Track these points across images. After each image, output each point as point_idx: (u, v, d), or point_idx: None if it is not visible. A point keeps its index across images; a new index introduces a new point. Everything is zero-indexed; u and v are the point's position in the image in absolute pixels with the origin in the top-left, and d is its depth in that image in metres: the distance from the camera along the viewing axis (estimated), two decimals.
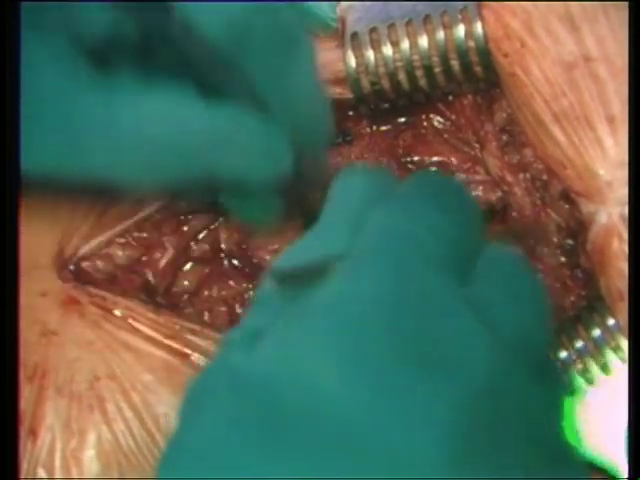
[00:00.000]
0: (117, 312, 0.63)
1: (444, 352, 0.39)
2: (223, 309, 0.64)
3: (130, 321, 0.63)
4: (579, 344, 0.60)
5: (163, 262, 0.65)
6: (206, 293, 0.65)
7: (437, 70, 0.62)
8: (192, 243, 0.65)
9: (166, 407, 0.60)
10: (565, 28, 0.60)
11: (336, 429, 0.37)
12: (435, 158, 0.65)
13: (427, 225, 0.44)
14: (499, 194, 0.64)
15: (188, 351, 0.62)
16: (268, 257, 0.64)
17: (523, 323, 0.43)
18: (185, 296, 0.65)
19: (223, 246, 0.65)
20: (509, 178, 0.63)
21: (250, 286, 0.65)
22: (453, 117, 0.65)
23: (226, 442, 0.38)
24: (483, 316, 0.41)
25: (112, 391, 0.60)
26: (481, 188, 0.64)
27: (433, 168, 0.64)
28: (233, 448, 0.38)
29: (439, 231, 0.44)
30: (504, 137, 0.64)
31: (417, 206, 0.45)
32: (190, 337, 0.62)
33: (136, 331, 0.62)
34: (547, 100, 0.60)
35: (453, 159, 0.64)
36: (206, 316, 0.65)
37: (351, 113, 0.66)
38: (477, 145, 0.64)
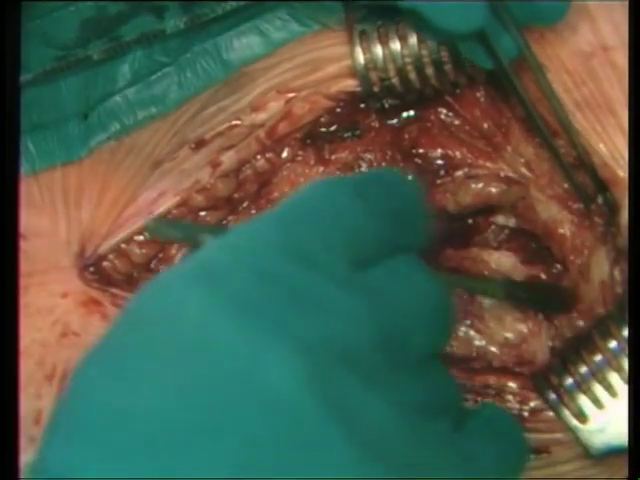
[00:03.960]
0: None
1: None
2: None
3: None
4: (583, 369, 0.59)
5: (179, 258, 0.66)
6: None
7: (446, 64, 0.61)
8: None
9: None
10: (582, 18, 0.59)
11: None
12: (439, 151, 0.64)
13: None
14: (503, 188, 0.63)
15: None
16: None
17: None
18: None
19: None
20: (527, 171, 0.63)
21: None
22: (464, 110, 0.64)
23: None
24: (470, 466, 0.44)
25: None
26: (483, 183, 0.63)
27: (438, 161, 0.64)
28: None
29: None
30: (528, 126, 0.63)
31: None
32: None
33: None
34: (568, 90, 0.60)
35: (457, 153, 0.64)
36: None
37: (362, 106, 0.65)
38: (498, 133, 0.64)
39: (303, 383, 0.39)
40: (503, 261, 0.64)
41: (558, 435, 0.60)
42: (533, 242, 0.65)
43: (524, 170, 0.63)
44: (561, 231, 0.62)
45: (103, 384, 0.40)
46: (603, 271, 0.61)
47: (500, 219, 0.65)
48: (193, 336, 0.40)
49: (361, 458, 0.39)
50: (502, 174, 0.63)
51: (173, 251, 0.66)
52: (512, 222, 0.64)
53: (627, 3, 0.58)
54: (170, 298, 0.41)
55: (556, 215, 0.62)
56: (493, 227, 0.65)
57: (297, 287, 0.42)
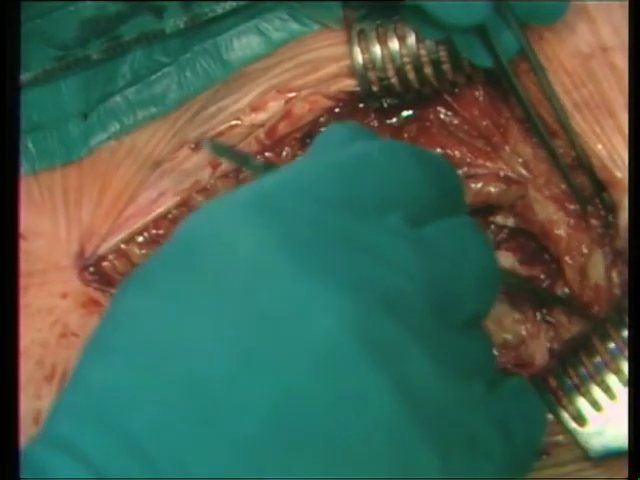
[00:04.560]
0: None
1: None
2: None
3: None
4: (582, 372, 0.59)
5: None
6: None
7: (445, 64, 0.62)
8: None
9: None
10: (581, 19, 0.59)
11: None
12: (439, 150, 0.64)
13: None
14: (502, 187, 0.63)
15: None
16: None
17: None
18: None
19: None
20: (525, 171, 0.63)
21: None
22: (463, 110, 0.64)
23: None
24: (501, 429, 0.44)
25: None
26: (482, 182, 0.63)
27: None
28: None
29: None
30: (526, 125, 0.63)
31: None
32: None
33: None
34: (567, 91, 0.60)
35: (457, 152, 0.64)
36: None
37: (361, 105, 0.65)
38: (496, 133, 0.64)
39: (351, 331, 0.39)
40: (502, 261, 0.64)
41: (558, 437, 0.60)
42: (532, 242, 0.65)
43: (522, 170, 0.63)
44: (557, 232, 0.62)
45: (152, 308, 0.40)
46: (600, 273, 0.61)
47: (499, 219, 0.64)
48: (244, 270, 0.40)
49: (399, 406, 0.39)
50: (501, 173, 0.63)
51: None
52: (511, 222, 0.64)
53: (627, 4, 0.58)
54: (224, 226, 0.41)
55: (552, 215, 0.62)
56: (492, 227, 0.65)
57: (353, 237, 0.41)
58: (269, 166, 0.48)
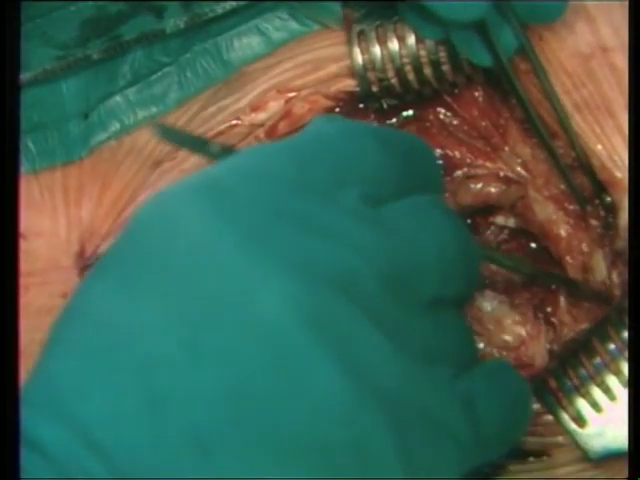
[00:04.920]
0: None
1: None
2: None
3: None
4: (582, 373, 0.59)
5: None
6: None
7: (445, 65, 0.62)
8: None
9: None
10: (581, 19, 0.59)
11: None
12: (438, 151, 0.64)
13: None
14: (502, 188, 0.63)
15: None
16: None
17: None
18: None
19: None
20: (524, 171, 0.63)
21: None
22: (463, 110, 0.64)
23: None
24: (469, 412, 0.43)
25: None
26: (482, 182, 0.63)
27: (437, 161, 0.63)
28: None
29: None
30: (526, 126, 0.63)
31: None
32: None
33: None
34: (567, 91, 0.60)
35: (456, 152, 0.64)
36: None
37: (361, 106, 0.65)
38: (495, 134, 0.64)
39: (295, 311, 0.39)
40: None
41: (559, 438, 0.60)
42: (533, 242, 0.65)
43: (521, 170, 0.63)
44: (556, 232, 0.62)
45: (103, 298, 0.40)
46: (600, 274, 0.60)
47: (500, 219, 0.64)
48: (188, 252, 0.40)
49: (351, 388, 0.39)
50: (501, 174, 0.63)
51: None
52: (511, 222, 0.64)
53: (627, 4, 0.57)
54: (171, 210, 0.41)
55: (552, 216, 0.62)
56: (493, 227, 0.65)
57: (303, 217, 0.41)
58: (227, 151, 0.47)
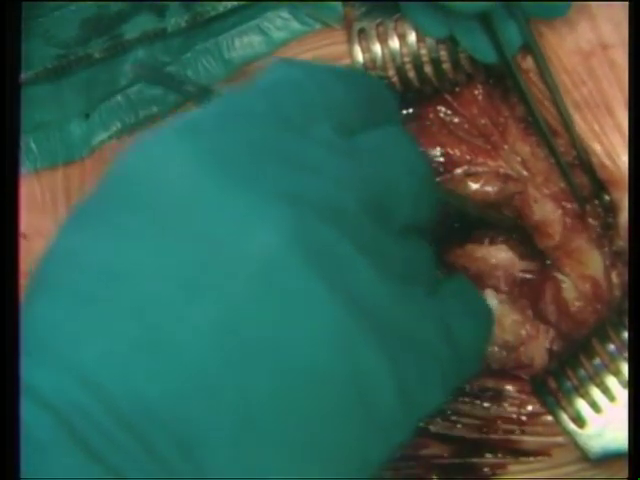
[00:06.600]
0: None
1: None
2: None
3: None
4: (581, 373, 0.59)
5: None
6: None
7: (445, 63, 0.62)
8: None
9: None
10: (581, 16, 0.59)
11: None
12: (439, 149, 0.64)
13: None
14: (501, 185, 0.63)
15: None
16: None
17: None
18: None
19: None
20: (523, 169, 0.63)
21: None
22: (463, 108, 0.64)
23: None
24: (445, 326, 0.44)
25: None
26: (482, 181, 0.63)
27: (437, 159, 0.64)
28: None
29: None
30: (525, 124, 0.63)
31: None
32: None
33: None
34: (567, 89, 0.60)
35: (456, 150, 0.64)
36: None
37: None
38: (495, 132, 0.63)
39: (289, 241, 0.39)
40: (501, 256, 0.64)
41: (559, 438, 0.60)
42: (531, 238, 0.64)
43: (520, 168, 0.63)
44: (555, 229, 0.62)
45: (90, 242, 0.40)
46: (598, 274, 0.60)
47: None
48: (177, 193, 0.40)
49: (344, 312, 0.40)
50: (501, 171, 0.63)
51: None
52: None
53: (627, 1, 0.58)
54: (153, 155, 0.41)
55: (550, 214, 0.62)
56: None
57: (282, 150, 0.42)
58: (203, 91, 0.47)
